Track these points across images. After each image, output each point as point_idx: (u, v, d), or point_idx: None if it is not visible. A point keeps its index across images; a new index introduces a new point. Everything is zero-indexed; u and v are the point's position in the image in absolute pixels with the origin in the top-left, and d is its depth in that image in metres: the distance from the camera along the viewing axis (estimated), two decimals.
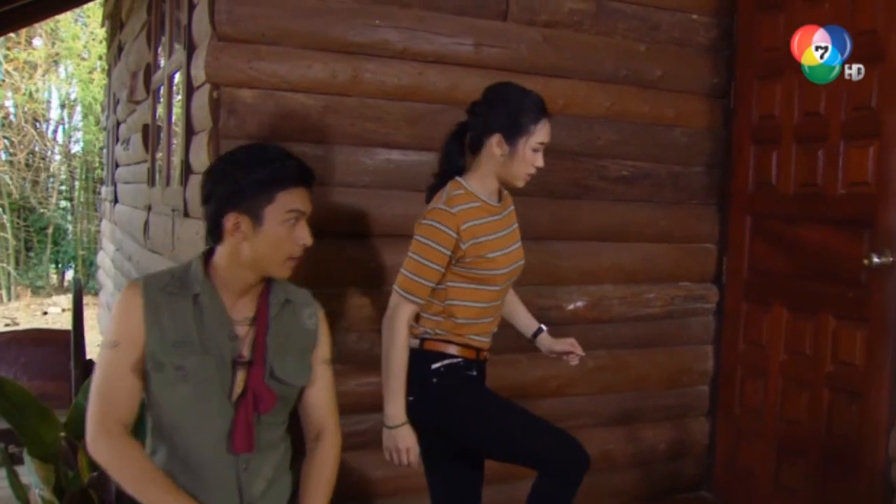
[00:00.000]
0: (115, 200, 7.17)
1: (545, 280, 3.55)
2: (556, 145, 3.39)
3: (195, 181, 3.31)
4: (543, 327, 2.85)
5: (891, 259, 3.18)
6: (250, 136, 3.00)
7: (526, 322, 2.88)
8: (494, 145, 2.51)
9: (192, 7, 3.41)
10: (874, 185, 3.28)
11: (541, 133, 2.51)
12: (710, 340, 4.05)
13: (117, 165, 7.19)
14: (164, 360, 1.96)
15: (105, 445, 1.94)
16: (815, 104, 3.53)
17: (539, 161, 2.53)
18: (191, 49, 3.43)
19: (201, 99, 3.14)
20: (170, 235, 3.89)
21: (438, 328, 2.54)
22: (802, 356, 3.59)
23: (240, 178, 1.97)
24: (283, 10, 3.05)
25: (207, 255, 2.08)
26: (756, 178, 3.85)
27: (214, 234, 2.04)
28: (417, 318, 2.54)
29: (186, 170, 3.47)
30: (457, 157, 2.58)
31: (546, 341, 2.81)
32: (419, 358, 2.51)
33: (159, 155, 4.74)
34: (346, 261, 3.17)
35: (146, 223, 4.89)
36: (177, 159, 3.83)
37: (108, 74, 9.30)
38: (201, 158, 3.14)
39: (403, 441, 2.46)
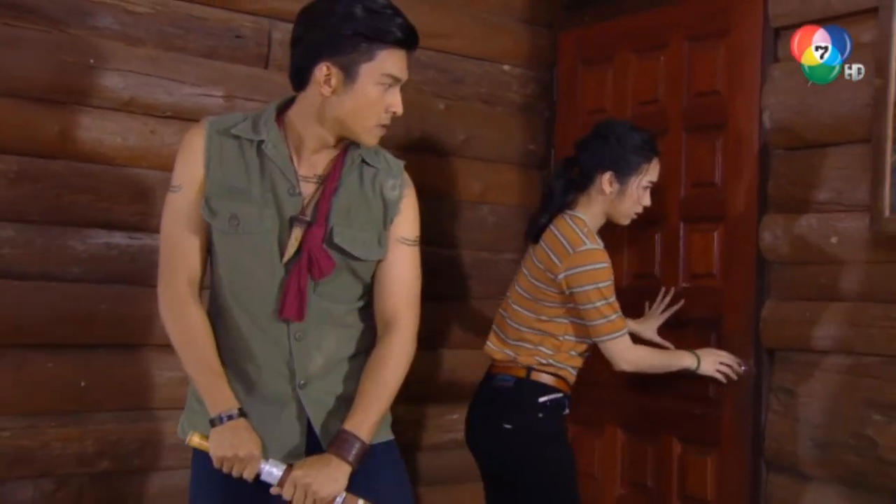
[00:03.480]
0: None
1: None
2: None
3: None
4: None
5: (743, 368, 3.10)
6: None
7: None
8: (605, 183, 2.94)
9: None
10: (720, 277, 3.25)
11: (652, 172, 2.98)
12: None
13: None
14: (219, 207, 2.10)
15: (166, 301, 2.15)
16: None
17: (647, 200, 2.99)
18: None
19: None
20: None
21: (545, 359, 2.94)
22: (643, 489, 3.50)
23: (339, 26, 2.05)
24: None
25: (285, 104, 2.21)
26: None
27: (298, 80, 2.14)
28: (522, 347, 2.96)
29: None
30: (562, 194, 3.00)
31: (650, 324, 3.27)
32: (526, 388, 2.92)
33: None
34: (43, 383, 2.86)
35: None
36: None
37: None
38: None
39: (718, 357, 3.03)
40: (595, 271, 2.85)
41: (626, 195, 2.95)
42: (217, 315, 2.18)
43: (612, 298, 2.87)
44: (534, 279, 2.95)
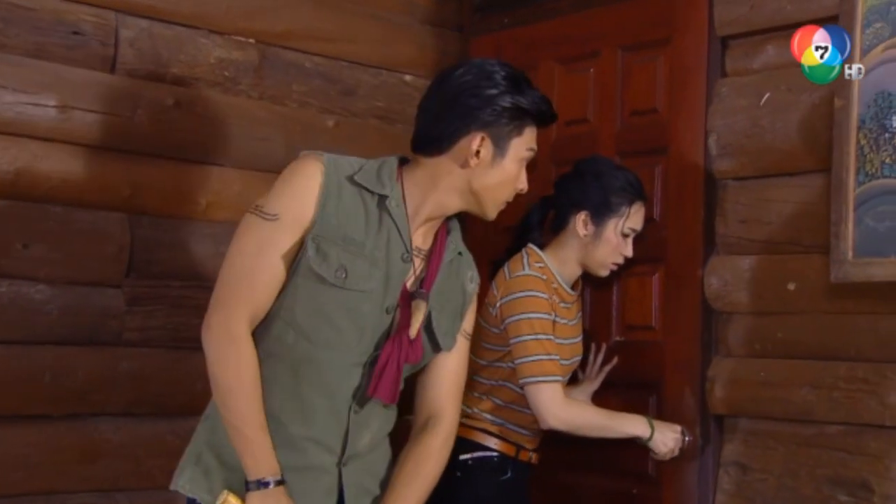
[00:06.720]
0: None
1: None
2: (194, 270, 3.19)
3: None
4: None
5: (688, 438, 2.99)
6: None
7: None
8: (580, 223, 2.92)
9: None
10: (659, 330, 3.17)
11: (634, 218, 2.94)
12: None
13: None
14: (330, 252, 2.15)
15: (218, 332, 2.13)
16: None
17: (628, 250, 2.94)
18: None
19: None
20: None
21: (475, 412, 2.92)
22: None
23: (499, 98, 2.21)
24: None
25: (402, 162, 2.32)
26: None
27: (435, 146, 2.24)
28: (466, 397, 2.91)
29: None
30: (533, 230, 3.02)
31: (584, 388, 3.15)
32: None
33: None
34: None
35: None
36: None
37: None
38: None
39: (669, 433, 2.87)
40: (528, 299, 2.82)
41: (603, 240, 2.92)
42: (271, 364, 2.19)
43: (545, 336, 2.81)
44: (481, 319, 2.90)
